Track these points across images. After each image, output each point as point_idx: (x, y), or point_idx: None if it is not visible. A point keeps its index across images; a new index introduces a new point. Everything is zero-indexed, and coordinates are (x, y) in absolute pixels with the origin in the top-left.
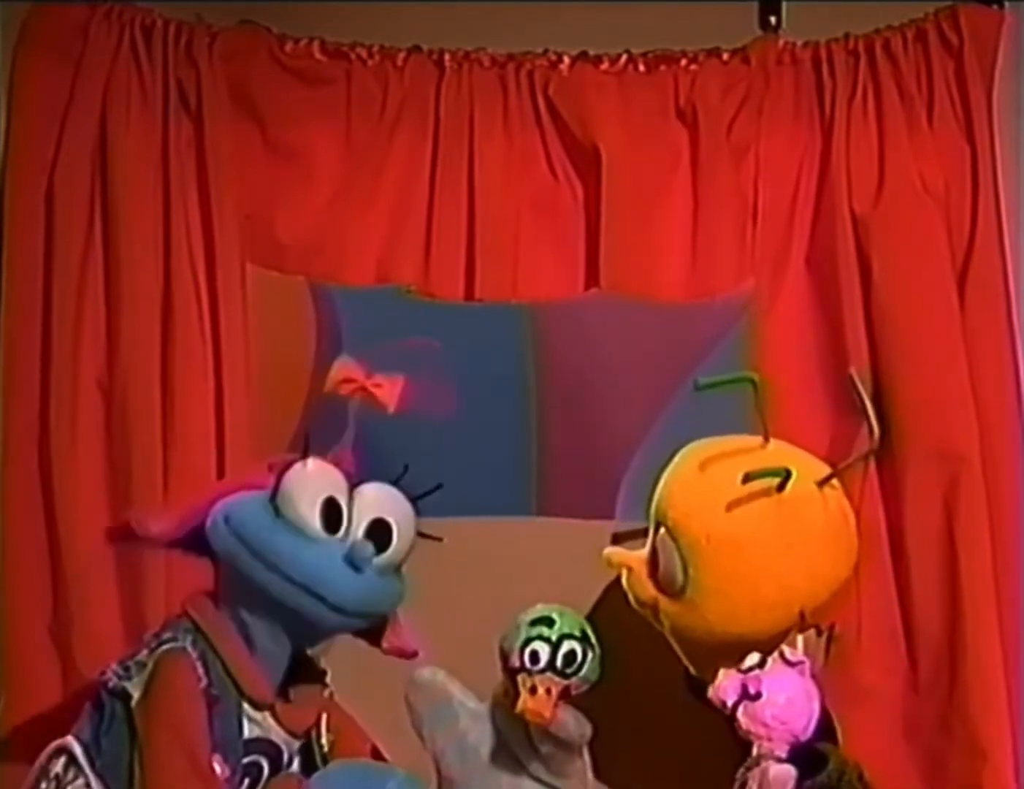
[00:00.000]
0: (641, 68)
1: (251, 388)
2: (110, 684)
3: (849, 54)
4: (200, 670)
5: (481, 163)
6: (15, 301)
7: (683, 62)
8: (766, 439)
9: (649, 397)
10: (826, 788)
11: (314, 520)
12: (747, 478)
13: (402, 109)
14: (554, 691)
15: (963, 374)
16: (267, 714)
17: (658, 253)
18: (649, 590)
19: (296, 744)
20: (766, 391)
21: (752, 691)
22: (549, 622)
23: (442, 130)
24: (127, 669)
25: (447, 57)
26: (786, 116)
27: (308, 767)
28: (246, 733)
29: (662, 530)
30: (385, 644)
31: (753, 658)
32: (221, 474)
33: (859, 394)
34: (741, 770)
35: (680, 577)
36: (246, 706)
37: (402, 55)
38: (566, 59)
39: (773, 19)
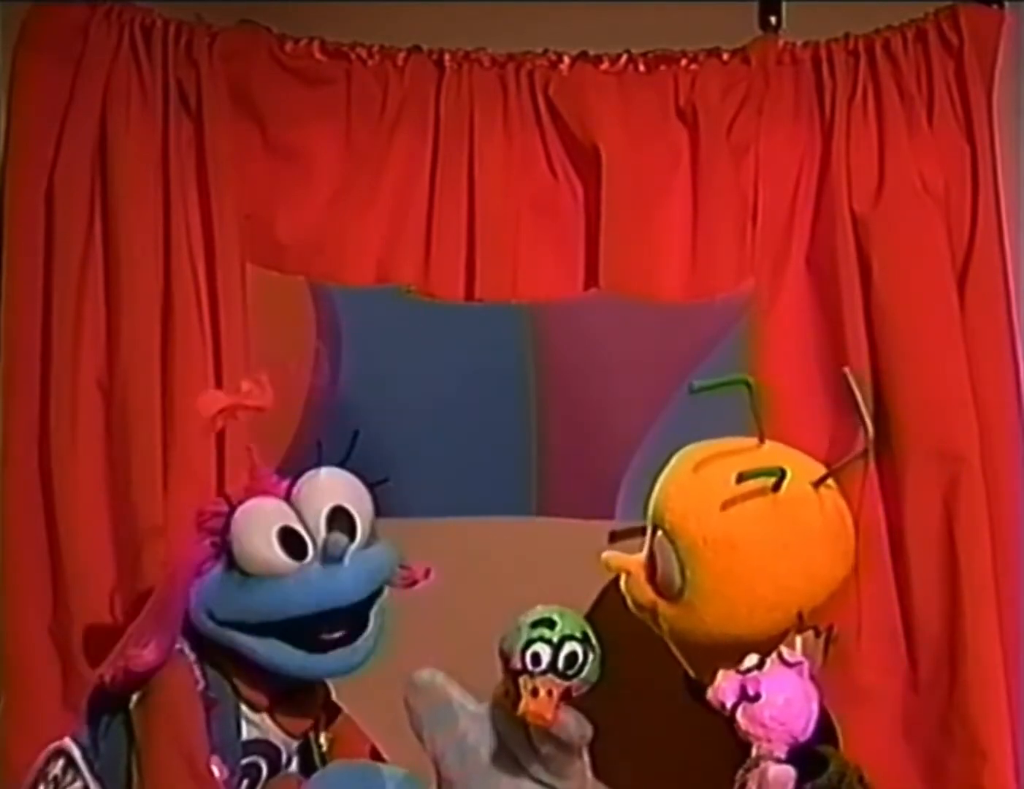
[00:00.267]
0: (641, 68)
1: None
2: (108, 686)
3: (849, 54)
4: (197, 672)
5: (481, 163)
6: (15, 301)
7: (683, 62)
8: (761, 440)
9: (649, 397)
10: None
11: (279, 558)
12: (741, 478)
13: (402, 109)
14: (555, 693)
15: (963, 374)
16: (265, 715)
17: (658, 253)
18: (648, 594)
19: (295, 745)
20: (761, 393)
21: (751, 692)
22: (550, 624)
23: (442, 130)
24: None
25: (447, 57)
26: (786, 116)
27: (307, 767)
28: (244, 735)
29: (659, 533)
30: (398, 583)
31: (752, 659)
32: (221, 474)
33: (853, 393)
34: (740, 771)
35: (678, 579)
36: (244, 708)
37: (402, 55)
38: (566, 59)
39: (773, 19)
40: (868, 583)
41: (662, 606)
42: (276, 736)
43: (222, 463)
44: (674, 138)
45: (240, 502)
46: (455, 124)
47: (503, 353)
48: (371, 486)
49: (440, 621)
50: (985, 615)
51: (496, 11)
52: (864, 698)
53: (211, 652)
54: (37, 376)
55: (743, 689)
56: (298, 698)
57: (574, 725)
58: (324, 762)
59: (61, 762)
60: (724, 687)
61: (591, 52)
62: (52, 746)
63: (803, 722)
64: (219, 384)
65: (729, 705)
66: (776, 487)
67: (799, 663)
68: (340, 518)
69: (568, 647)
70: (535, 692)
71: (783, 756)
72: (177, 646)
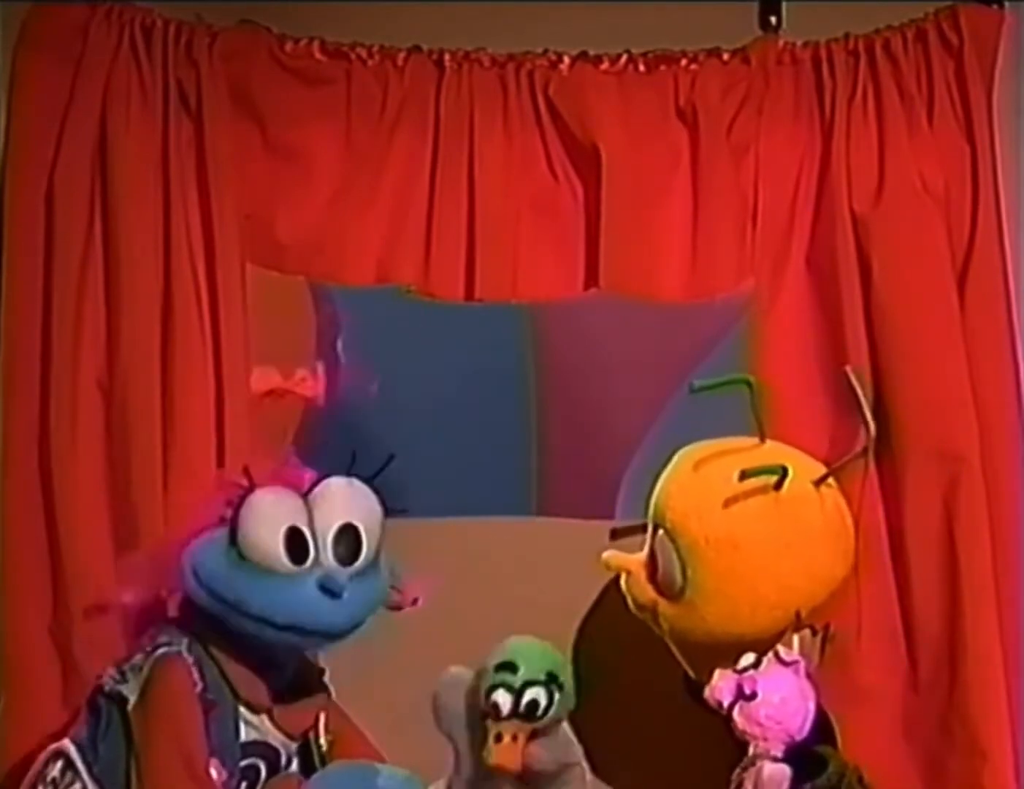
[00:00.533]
0: (641, 68)
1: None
2: (107, 688)
3: (849, 54)
4: (196, 674)
5: (481, 163)
6: (15, 301)
7: (683, 62)
8: (762, 439)
9: (649, 397)
10: None
11: (280, 557)
12: (743, 475)
13: (402, 109)
14: (521, 737)
15: (963, 374)
16: (264, 717)
17: (658, 253)
18: (648, 593)
19: (294, 746)
20: (762, 392)
21: (747, 691)
22: (512, 668)
23: (442, 130)
24: (123, 673)
25: (447, 57)
26: (786, 116)
27: (307, 769)
28: (243, 736)
29: (660, 532)
30: (388, 604)
31: (748, 658)
32: None
33: (854, 391)
34: (737, 770)
35: (679, 579)
36: (243, 709)
37: (402, 55)
38: (566, 59)
39: (773, 19)
40: (868, 583)
41: (663, 605)
42: (275, 738)
43: (222, 463)
44: (674, 138)
45: (260, 485)
46: (455, 124)
47: (503, 353)
48: (388, 511)
49: (440, 621)
50: (985, 615)
51: (496, 11)
52: (864, 698)
53: (210, 653)
54: (37, 376)
55: (739, 688)
56: (297, 699)
57: (547, 757)
58: (324, 763)
59: (60, 764)
60: (720, 686)
61: (591, 52)
62: (50, 748)
63: (799, 721)
64: (219, 384)
65: (726, 704)
66: (778, 485)
67: (795, 662)
68: (348, 536)
69: (529, 694)
70: (499, 738)
71: (780, 755)
72: (175, 648)
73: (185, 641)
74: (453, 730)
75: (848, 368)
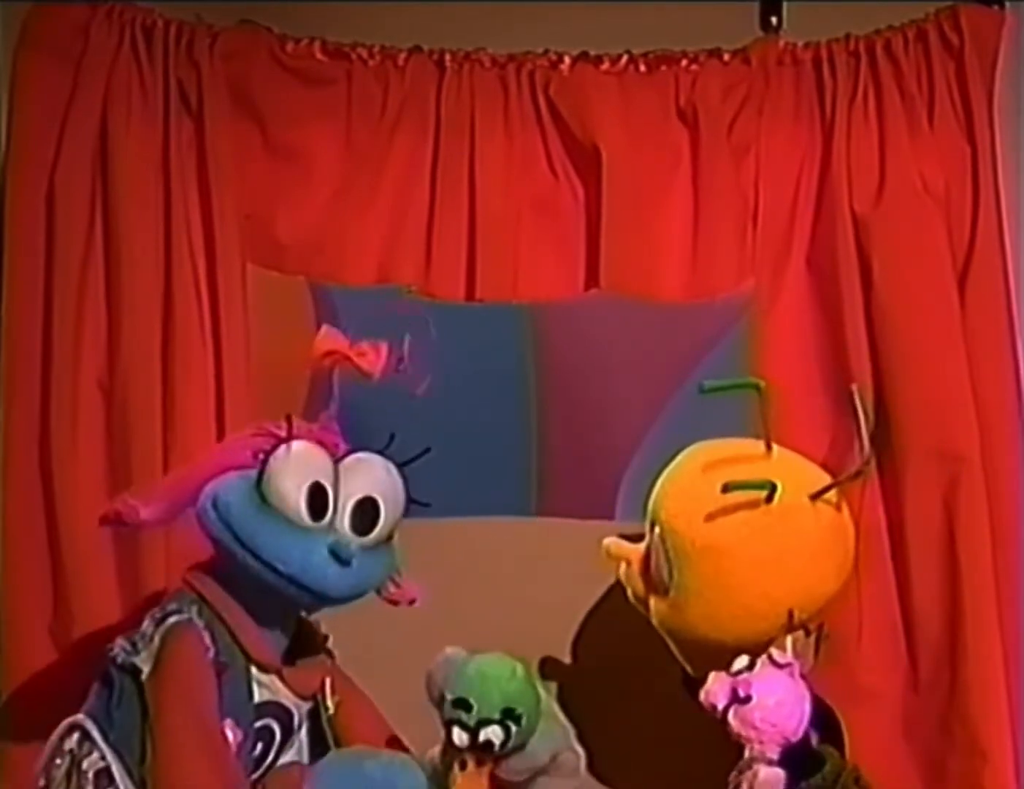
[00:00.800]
0: (642, 68)
1: (251, 388)
2: (119, 659)
3: (850, 55)
4: (208, 640)
5: (482, 163)
6: (16, 301)
7: (684, 62)
8: (768, 447)
9: (649, 397)
10: None
11: (300, 508)
12: (726, 488)
13: (403, 109)
14: (485, 762)
15: (963, 374)
16: (275, 677)
17: (658, 253)
18: (641, 586)
19: (305, 707)
20: (770, 398)
21: (742, 694)
22: (467, 706)
23: (443, 130)
24: (134, 644)
25: (448, 57)
26: (787, 117)
27: (316, 733)
28: (256, 697)
29: (656, 530)
30: (384, 594)
31: (742, 661)
32: None
33: (856, 412)
34: (734, 773)
35: (667, 579)
36: (255, 670)
37: (403, 55)
38: (567, 59)
39: (774, 19)
40: (868, 583)
41: (653, 601)
42: (287, 697)
43: None
44: (675, 138)
45: (297, 437)
46: (456, 124)
47: (503, 353)
48: (411, 500)
49: (440, 621)
50: (985, 615)
51: (496, 11)
52: (864, 698)
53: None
54: (38, 376)
55: (734, 691)
56: (303, 660)
57: (519, 767)
58: (331, 725)
59: (76, 736)
60: (715, 689)
61: (592, 52)
62: (66, 722)
63: (794, 723)
64: (219, 384)
65: (720, 707)
66: (768, 499)
67: (789, 664)
68: (367, 508)
69: (483, 734)
70: (463, 764)
71: (775, 757)
72: (186, 616)
73: (195, 608)
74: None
75: (854, 386)
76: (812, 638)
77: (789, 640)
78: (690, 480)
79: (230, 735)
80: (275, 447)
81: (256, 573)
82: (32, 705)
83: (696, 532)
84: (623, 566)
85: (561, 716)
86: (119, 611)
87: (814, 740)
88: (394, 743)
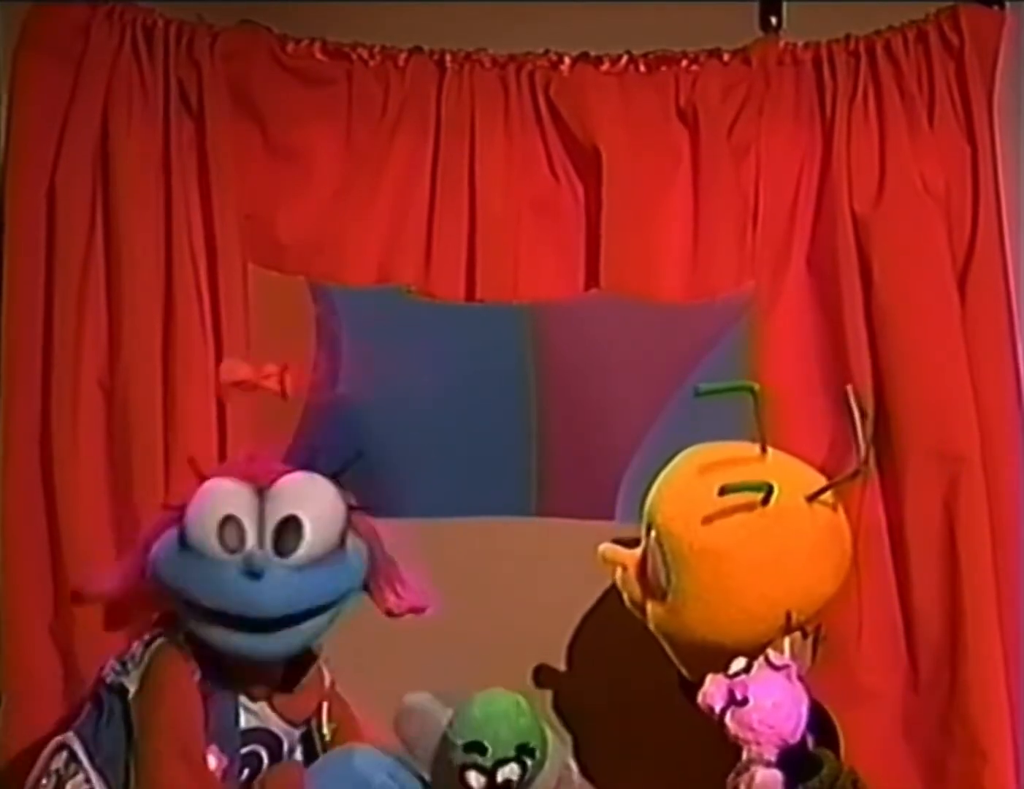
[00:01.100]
0: (642, 69)
1: None
2: (108, 679)
3: (850, 55)
4: (194, 663)
5: (482, 163)
6: (16, 301)
7: (684, 63)
8: (763, 449)
9: (649, 397)
10: None
11: (212, 542)
12: (723, 491)
13: (403, 109)
14: None
15: (963, 374)
16: (264, 704)
17: (658, 253)
18: (638, 591)
19: (297, 734)
20: (765, 400)
21: (739, 696)
22: (481, 750)
23: (443, 130)
24: (124, 664)
25: (448, 57)
26: (787, 117)
27: (310, 757)
28: (243, 723)
29: (652, 533)
30: (389, 607)
31: (740, 663)
32: None
33: (851, 413)
34: (731, 775)
35: (664, 582)
36: (242, 697)
37: (403, 55)
38: (567, 60)
39: (774, 20)
40: (868, 583)
41: (650, 605)
42: (277, 725)
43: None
44: (675, 139)
45: (220, 475)
46: (456, 124)
47: (503, 353)
48: (353, 507)
49: (440, 621)
50: (985, 615)
51: (497, 11)
52: (864, 698)
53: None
54: (38, 376)
55: (731, 693)
56: (299, 686)
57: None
58: (327, 751)
59: (64, 755)
60: (712, 692)
61: (592, 53)
62: (55, 740)
63: (792, 725)
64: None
65: (717, 710)
66: (765, 502)
67: (786, 666)
68: (291, 527)
69: (502, 774)
70: None
71: (773, 759)
72: (173, 639)
73: (183, 632)
74: (416, 754)
75: (849, 387)
76: (809, 640)
77: (787, 642)
78: (686, 483)
79: (214, 761)
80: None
81: (194, 622)
82: (32, 705)
83: (693, 535)
84: (619, 571)
85: (557, 726)
86: (119, 611)
87: (810, 743)
88: None
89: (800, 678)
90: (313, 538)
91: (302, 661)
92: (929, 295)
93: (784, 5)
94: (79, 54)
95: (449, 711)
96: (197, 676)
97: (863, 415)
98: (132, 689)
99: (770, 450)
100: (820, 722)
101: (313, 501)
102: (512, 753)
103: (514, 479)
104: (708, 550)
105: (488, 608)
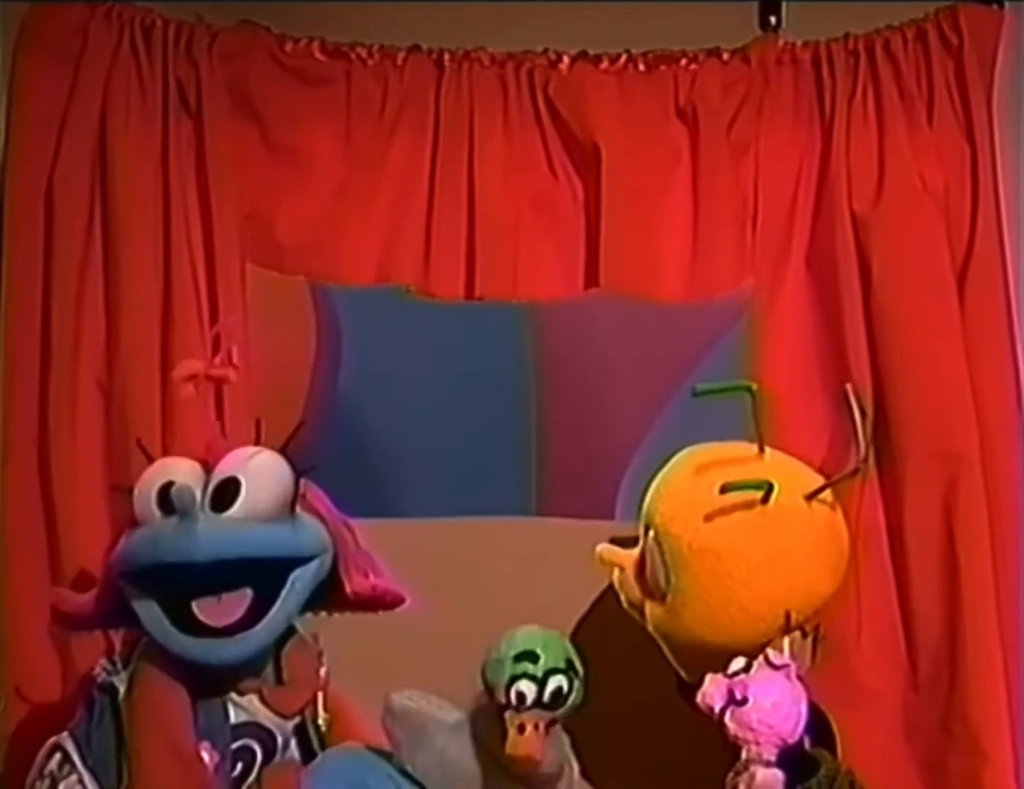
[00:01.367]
0: (641, 68)
1: (251, 388)
2: (99, 679)
3: (849, 54)
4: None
5: (481, 163)
6: (15, 301)
7: (683, 62)
8: (761, 449)
9: (649, 397)
10: None
11: (153, 508)
12: (724, 489)
13: (402, 109)
14: (542, 727)
15: (963, 374)
16: (253, 698)
17: (657, 252)
18: (636, 592)
19: (289, 726)
20: (763, 399)
21: (738, 696)
22: (534, 658)
23: (442, 130)
24: (114, 664)
25: (447, 57)
26: (786, 116)
27: (306, 749)
28: (232, 718)
29: (651, 533)
30: (354, 587)
31: (739, 663)
32: None
33: (851, 410)
34: (731, 775)
35: (663, 582)
36: (230, 692)
37: (402, 55)
38: (566, 59)
39: (773, 19)
40: (868, 583)
41: (649, 606)
42: (267, 718)
43: None
44: (674, 138)
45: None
46: (455, 124)
47: (503, 353)
48: (301, 472)
49: (439, 621)
50: (985, 615)
51: (496, 11)
52: (864, 698)
53: None
54: (37, 376)
55: (730, 693)
56: (289, 678)
57: (555, 755)
58: (323, 744)
59: (58, 756)
60: (711, 691)
61: (591, 52)
62: (50, 741)
63: (791, 725)
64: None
65: (717, 709)
66: (764, 500)
67: (786, 665)
68: (228, 486)
69: (553, 682)
70: (522, 728)
71: (772, 759)
72: None
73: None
74: (403, 754)
75: (848, 386)
76: (809, 639)
77: (786, 641)
78: (684, 483)
79: (206, 757)
80: None
81: (161, 606)
82: (32, 705)
83: (692, 535)
84: (616, 572)
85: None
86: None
87: (807, 744)
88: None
89: (799, 678)
90: (249, 496)
91: (292, 654)
92: (928, 294)
93: (783, 4)
94: (78, 54)
95: (441, 707)
96: (184, 672)
97: (862, 414)
98: (122, 689)
99: (768, 450)
100: (817, 723)
101: (253, 464)
102: (563, 665)
103: (514, 479)
104: (707, 549)
105: (488, 608)
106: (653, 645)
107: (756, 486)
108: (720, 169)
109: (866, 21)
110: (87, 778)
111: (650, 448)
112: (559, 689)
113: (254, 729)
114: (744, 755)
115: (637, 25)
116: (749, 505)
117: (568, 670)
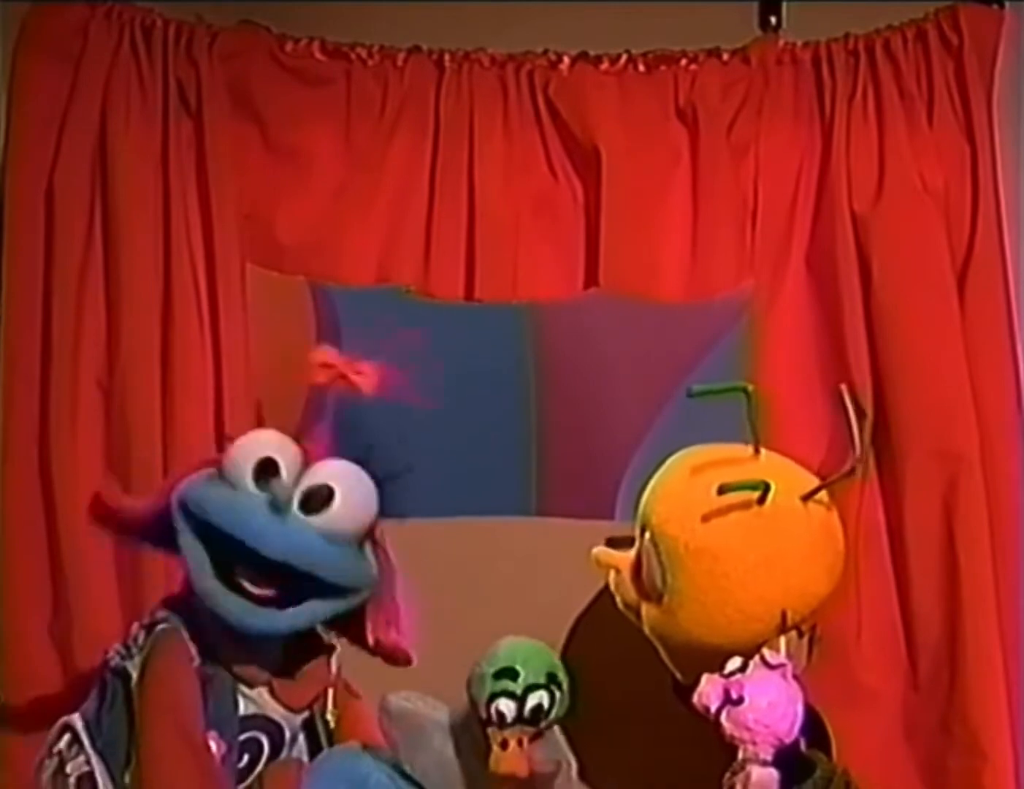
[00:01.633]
0: (641, 68)
1: (251, 388)
2: (112, 663)
3: (849, 54)
4: (193, 649)
5: (481, 163)
6: (15, 301)
7: (683, 62)
8: (756, 450)
9: (648, 397)
10: None
11: (246, 474)
12: (722, 490)
13: (402, 109)
14: (525, 741)
15: (963, 374)
16: (263, 690)
17: (658, 253)
18: (632, 593)
19: (298, 720)
20: (759, 401)
21: (734, 696)
22: (513, 675)
23: (442, 130)
24: (128, 649)
25: (447, 57)
26: (786, 116)
27: (314, 744)
28: (242, 710)
29: (647, 534)
30: (378, 635)
31: (735, 662)
32: None
33: (847, 410)
34: (727, 775)
35: (659, 584)
36: (240, 683)
37: (402, 55)
38: (566, 59)
39: (773, 19)
40: (868, 583)
41: (645, 607)
42: (275, 711)
43: None
44: (674, 138)
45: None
46: (455, 124)
47: (503, 353)
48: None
49: (439, 621)
50: (985, 615)
51: (496, 11)
52: (864, 698)
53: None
54: (37, 376)
55: (726, 693)
56: (299, 672)
57: (545, 758)
58: (331, 740)
59: (67, 737)
60: (707, 691)
61: (591, 52)
62: (61, 720)
63: (787, 724)
64: (219, 384)
65: (713, 709)
66: (761, 500)
67: (782, 665)
68: (323, 492)
69: (533, 699)
70: (504, 744)
71: (769, 758)
72: (173, 624)
73: (181, 616)
74: (401, 756)
75: (843, 386)
76: (805, 639)
77: (782, 641)
78: (679, 484)
79: (213, 746)
80: None
81: (195, 570)
82: (32, 705)
83: (689, 535)
84: (612, 574)
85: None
86: (119, 611)
87: (802, 745)
88: None
89: (796, 677)
90: (338, 512)
91: (304, 648)
92: (928, 294)
93: (783, 5)
94: (78, 54)
95: (436, 708)
96: (196, 661)
97: (860, 414)
98: (135, 674)
99: (763, 451)
100: (812, 725)
101: (351, 485)
102: (542, 680)
103: (514, 479)
104: (704, 550)
105: (488, 608)
106: (648, 647)
107: (753, 487)
108: (720, 169)
109: (866, 21)
110: (95, 760)
111: (650, 448)
112: (539, 706)
113: (262, 722)
114: (740, 755)
115: (637, 25)
116: (745, 506)
117: (549, 685)
